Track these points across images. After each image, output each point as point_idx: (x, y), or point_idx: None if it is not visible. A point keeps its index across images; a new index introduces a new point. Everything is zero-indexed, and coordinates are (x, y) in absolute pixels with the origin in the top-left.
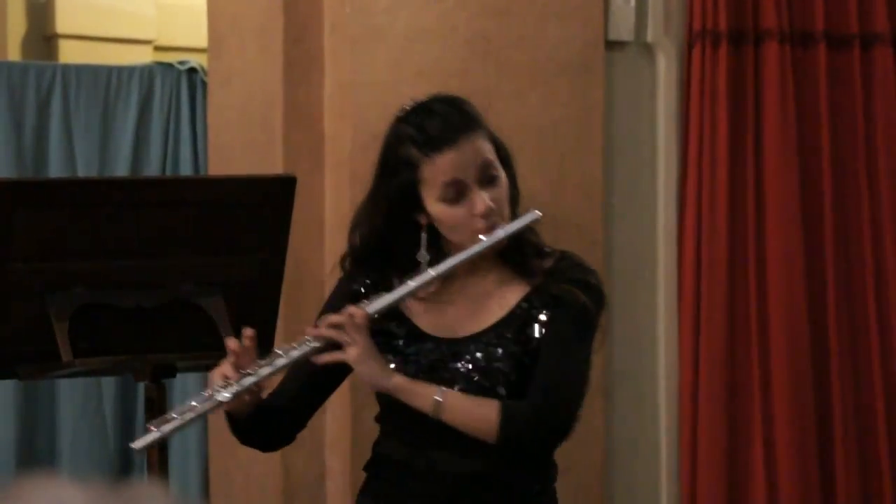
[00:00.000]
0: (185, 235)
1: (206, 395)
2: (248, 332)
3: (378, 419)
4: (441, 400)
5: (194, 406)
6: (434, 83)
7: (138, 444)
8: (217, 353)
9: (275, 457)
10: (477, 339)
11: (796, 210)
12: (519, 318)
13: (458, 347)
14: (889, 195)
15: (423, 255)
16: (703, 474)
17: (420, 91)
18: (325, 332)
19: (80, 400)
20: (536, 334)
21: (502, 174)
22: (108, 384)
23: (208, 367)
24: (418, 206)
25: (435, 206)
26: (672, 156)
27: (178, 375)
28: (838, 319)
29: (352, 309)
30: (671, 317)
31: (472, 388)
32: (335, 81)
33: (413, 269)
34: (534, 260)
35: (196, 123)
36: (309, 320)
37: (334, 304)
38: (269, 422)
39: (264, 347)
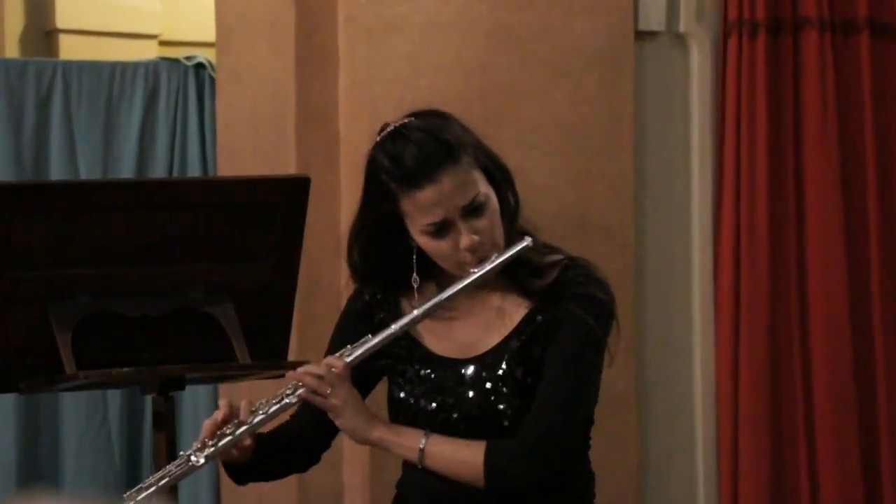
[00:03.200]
0: (193, 240)
1: (183, 458)
2: (224, 409)
3: None
4: (423, 448)
5: (170, 471)
6: (454, 78)
7: None
8: (227, 363)
9: None
10: (481, 360)
11: (839, 207)
12: (520, 338)
13: (462, 368)
14: None
15: (415, 279)
16: (745, 487)
17: (439, 87)
18: (307, 381)
19: (84, 414)
20: (535, 355)
21: (491, 199)
22: (114, 397)
23: (218, 379)
24: (405, 232)
25: (420, 238)
26: (707, 153)
27: (188, 387)
28: (884, 321)
29: (330, 360)
30: (707, 322)
31: (473, 415)
32: (350, 77)
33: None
34: (532, 280)
35: (204, 122)
36: (324, 328)
37: (345, 323)
38: (291, 451)
39: (278, 358)
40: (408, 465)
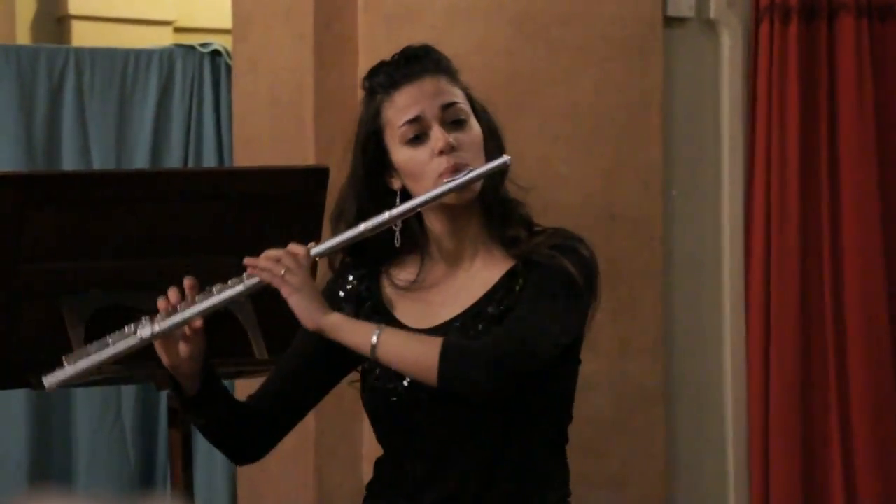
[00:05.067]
0: (209, 232)
1: (130, 330)
2: (188, 281)
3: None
4: (377, 337)
5: (115, 340)
6: (477, 65)
7: (49, 380)
8: (244, 359)
9: (308, 471)
10: (453, 323)
11: (875, 198)
12: (500, 293)
13: (434, 335)
14: None
15: (396, 203)
16: (777, 486)
17: (462, 74)
18: (262, 262)
19: (97, 411)
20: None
21: (474, 123)
22: (128, 394)
23: (235, 374)
24: (386, 162)
25: (399, 153)
26: (738, 142)
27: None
28: None
29: (293, 246)
30: (738, 316)
31: None
32: (369, 64)
33: (400, 258)
34: (518, 229)
35: (220, 111)
36: None
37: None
38: (242, 423)
39: None
40: (384, 464)
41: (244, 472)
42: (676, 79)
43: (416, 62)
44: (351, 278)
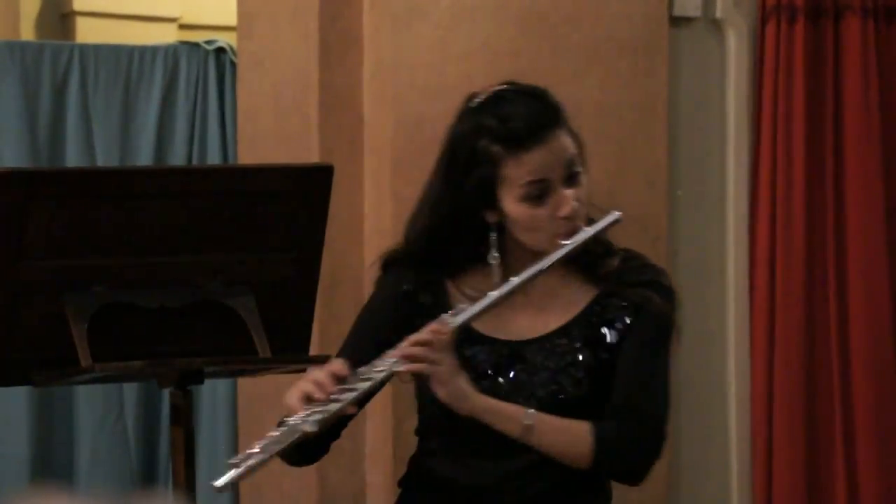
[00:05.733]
0: (213, 230)
1: (291, 424)
2: (337, 365)
3: (418, 433)
4: (532, 424)
5: (277, 437)
6: (482, 64)
7: (220, 482)
8: (247, 357)
9: (310, 470)
10: (542, 342)
11: (880, 200)
12: (589, 322)
13: (519, 350)
14: None
15: (494, 256)
16: (780, 486)
17: (467, 73)
18: (410, 351)
19: (99, 408)
20: (609, 339)
21: (584, 174)
22: (130, 391)
23: (238, 373)
24: (491, 203)
25: (514, 206)
26: (743, 142)
27: (206, 381)
28: None
29: (436, 326)
30: (742, 317)
31: (539, 396)
32: (375, 62)
33: (466, 269)
34: (604, 259)
35: (224, 108)
36: (346, 321)
37: (379, 306)
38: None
39: (299, 352)
40: (419, 460)
41: None
42: (682, 79)
43: (543, 119)
44: (418, 281)
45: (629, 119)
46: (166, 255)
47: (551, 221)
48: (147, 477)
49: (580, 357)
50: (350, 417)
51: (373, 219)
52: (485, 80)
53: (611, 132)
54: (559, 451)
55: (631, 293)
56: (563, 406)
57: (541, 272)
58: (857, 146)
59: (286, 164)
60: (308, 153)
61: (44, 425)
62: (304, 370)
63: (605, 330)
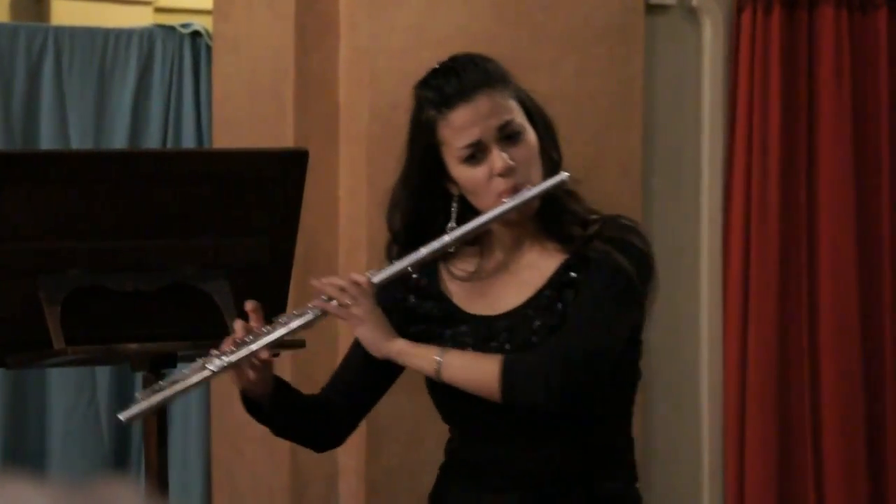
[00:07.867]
0: (187, 214)
1: (198, 364)
2: (250, 304)
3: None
4: (440, 360)
5: (185, 375)
6: (459, 50)
7: (125, 414)
8: (219, 339)
9: (283, 455)
10: (513, 315)
11: (851, 190)
12: (555, 287)
13: (494, 325)
14: None
15: (450, 226)
16: (752, 480)
17: (443, 59)
18: (328, 288)
19: (72, 391)
20: (568, 300)
21: (530, 133)
22: (103, 374)
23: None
24: (445, 173)
25: (456, 170)
26: (718, 131)
27: (179, 365)
28: (894, 309)
29: (355, 276)
30: (715, 308)
31: None
32: (351, 47)
33: (456, 251)
34: (572, 227)
35: (200, 92)
36: None
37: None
38: (318, 416)
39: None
40: (454, 445)
41: (219, 452)
42: (658, 66)
43: (472, 79)
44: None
45: (604, 106)
46: (140, 238)
47: (490, 180)
48: (120, 461)
49: (546, 325)
50: (367, 407)
51: (348, 203)
52: None
53: (586, 119)
54: (473, 386)
55: (592, 251)
56: None
57: (479, 227)
58: (831, 136)
59: (261, 148)
60: (283, 137)
61: (17, 407)
62: (276, 354)
63: (567, 291)
